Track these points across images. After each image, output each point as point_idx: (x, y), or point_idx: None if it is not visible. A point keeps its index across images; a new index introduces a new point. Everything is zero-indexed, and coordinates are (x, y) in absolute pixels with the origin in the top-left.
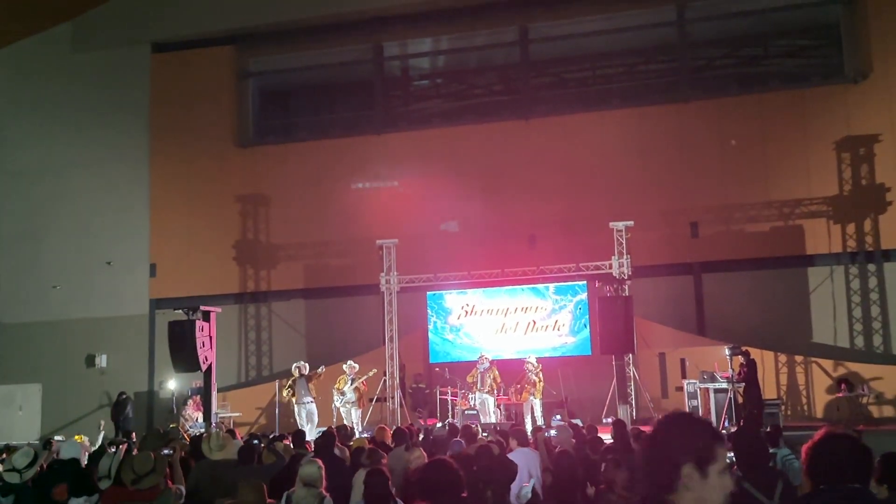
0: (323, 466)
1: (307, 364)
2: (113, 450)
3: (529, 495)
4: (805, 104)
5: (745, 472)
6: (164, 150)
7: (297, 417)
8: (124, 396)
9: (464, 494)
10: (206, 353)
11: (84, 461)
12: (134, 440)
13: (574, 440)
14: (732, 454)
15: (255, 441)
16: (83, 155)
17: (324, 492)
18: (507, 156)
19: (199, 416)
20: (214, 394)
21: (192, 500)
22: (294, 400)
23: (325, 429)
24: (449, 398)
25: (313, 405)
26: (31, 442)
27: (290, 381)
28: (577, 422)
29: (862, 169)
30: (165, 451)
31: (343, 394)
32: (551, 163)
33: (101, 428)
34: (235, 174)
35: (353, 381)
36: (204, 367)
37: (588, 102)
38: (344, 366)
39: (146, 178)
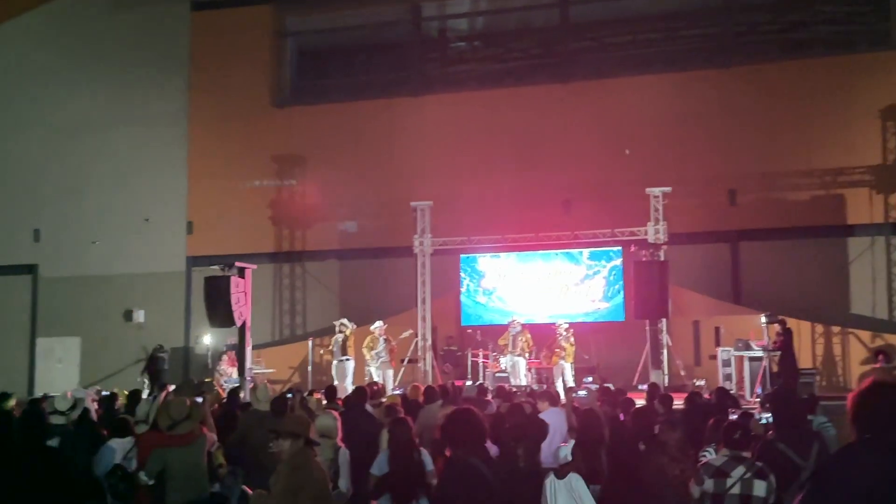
0: (339, 419)
1: (350, 322)
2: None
3: (570, 457)
4: (850, 71)
5: (780, 433)
6: (202, 108)
7: (335, 374)
8: (162, 350)
9: (487, 443)
10: (241, 309)
11: (92, 410)
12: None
13: (598, 402)
14: (769, 415)
15: (289, 395)
16: (123, 112)
17: (339, 443)
18: (545, 119)
19: (234, 371)
20: (249, 350)
21: (241, 447)
22: (331, 357)
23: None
24: (480, 360)
25: (351, 363)
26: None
27: (368, 341)
28: (609, 386)
29: None
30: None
31: (378, 355)
32: (589, 127)
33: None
34: (272, 134)
35: (386, 341)
36: (238, 323)
37: (628, 66)
38: (372, 326)
39: (184, 135)
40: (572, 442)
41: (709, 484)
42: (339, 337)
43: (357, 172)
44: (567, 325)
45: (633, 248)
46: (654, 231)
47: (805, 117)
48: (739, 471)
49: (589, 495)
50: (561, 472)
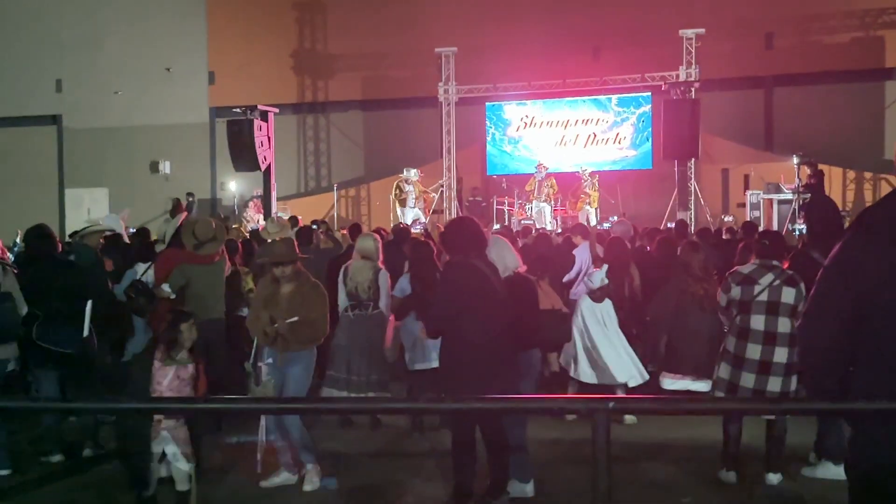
0: (379, 240)
1: (416, 171)
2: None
3: (606, 280)
4: None
5: (814, 241)
6: None
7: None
8: (191, 198)
9: (487, 250)
10: (265, 152)
11: (123, 233)
12: None
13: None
14: (804, 224)
15: (314, 226)
16: None
17: (380, 265)
18: None
19: (260, 218)
20: (274, 195)
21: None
22: (399, 204)
23: None
24: (506, 209)
25: (418, 211)
26: None
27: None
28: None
29: None
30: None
31: (416, 200)
32: None
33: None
34: None
35: (423, 190)
36: (263, 167)
37: None
38: (412, 175)
39: None
40: (605, 267)
41: (736, 291)
42: (410, 188)
43: (380, 20)
44: (591, 171)
45: (664, 87)
46: (686, 75)
47: None
48: (768, 278)
49: (615, 321)
50: (597, 296)
